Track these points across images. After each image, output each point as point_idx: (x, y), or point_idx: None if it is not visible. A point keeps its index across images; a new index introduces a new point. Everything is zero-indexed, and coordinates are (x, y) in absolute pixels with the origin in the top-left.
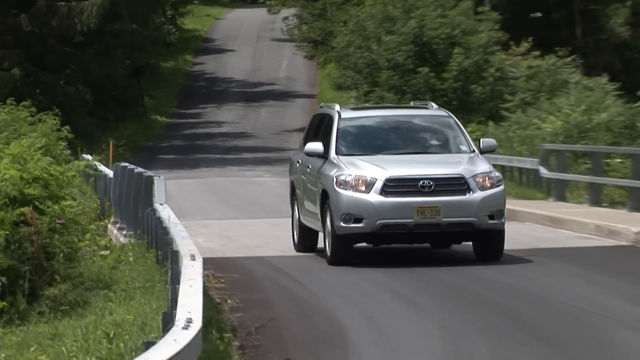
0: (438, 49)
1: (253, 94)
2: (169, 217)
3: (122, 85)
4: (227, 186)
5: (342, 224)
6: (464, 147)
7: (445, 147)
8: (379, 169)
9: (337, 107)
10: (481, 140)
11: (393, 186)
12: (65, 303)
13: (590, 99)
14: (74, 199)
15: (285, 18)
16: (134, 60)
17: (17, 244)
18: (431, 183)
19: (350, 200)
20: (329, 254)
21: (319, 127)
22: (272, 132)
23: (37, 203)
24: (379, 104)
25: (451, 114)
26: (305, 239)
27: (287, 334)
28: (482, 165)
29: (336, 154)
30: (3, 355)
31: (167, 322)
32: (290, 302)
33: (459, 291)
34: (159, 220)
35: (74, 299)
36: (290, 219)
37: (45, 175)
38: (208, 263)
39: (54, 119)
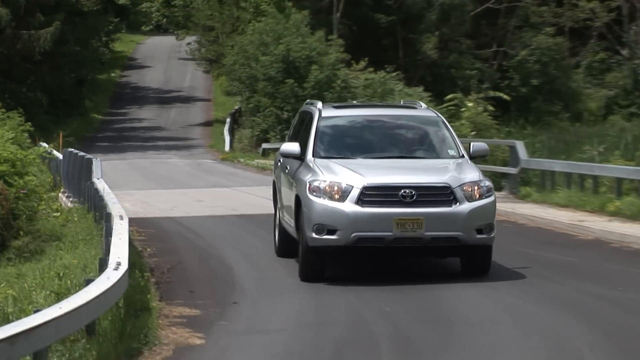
0: (300, 66)
1: (165, 98)
2: (104, 188)
3: (69, 91)
4: (146, 166)
5: (314, 235)
6: (452, 152)
7: (432, 151)
8: (356, 175)
9: (319, 105)
10: (471, 144)
11: (371, 195)
12: (27, 251)
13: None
14: (34, 175)
15: (189, 43)
16: (77, 73)
17: None
18: (413, 192)
19: (323, 209)
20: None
21: (301, 125)
22: (180, 126)
23: (6, 178)
24: (360, 103)
25: (440, 114)
26: (285, 244)
27: (190, 273)
28: (471, 173)
29: (313, 156)
30: None
31: (103, 265)
32: (192, 250)
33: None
34: (96, 190)
35: (34, 248)
36: (272, 221)
37: (13, 157)
38: (132, 222)
39: (19, 117)
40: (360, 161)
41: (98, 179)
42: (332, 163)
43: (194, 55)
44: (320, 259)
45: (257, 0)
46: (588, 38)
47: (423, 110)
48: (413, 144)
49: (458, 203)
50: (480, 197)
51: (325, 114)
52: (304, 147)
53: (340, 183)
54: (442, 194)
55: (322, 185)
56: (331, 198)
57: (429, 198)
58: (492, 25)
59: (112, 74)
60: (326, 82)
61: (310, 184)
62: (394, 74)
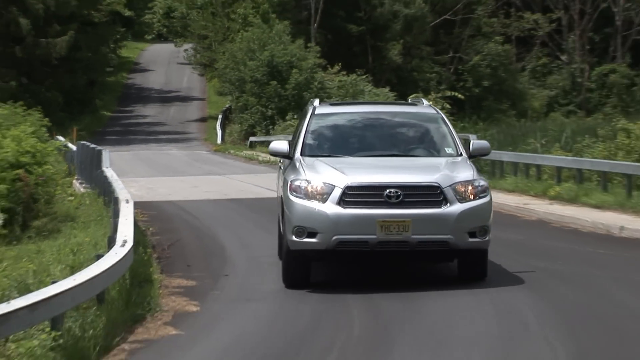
0: (282, 69)
1: (166, 98)
2: (112, 175)
3: (82, 92)
4: (149, 156)
5: (294, 237)
6: (450, 150)
7: (428, 149)
8: (339, 174)
9: (316, 102)
10: (471, 141)
11: (353, 195)
12: (45, 231)
13: (380, 99)
14: (51, 165)
15: (186, 50)
16: (89, 76)
17: (14, 193)
18: (399, 192)
19: (303, 210)
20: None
21: (300, 124)
22: (178, 122)
23: (27, 167)
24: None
25: (440, 111)
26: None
27: (187, 250)
28: (465, 172)
29: (301, 154)
30: (5, 264)
31: (111, 242)
32: (189, 229)
33: None
34: (105, 177)
35: (51, 227)
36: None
37: (33, 149)
38: (137, 205)
39: (38, 114)
40: (349, 160)
41: (107, 167)
42: (318, 162)
43: (191, 60)
44: (302, 264)
45: (245, 12)
46: (532, 45)
47: (423, 107)
48: (408, 141)
49: (448, 204)
50: (474, 198)
51: (319, 111)
52: (294, 146)
53: (322, 183)
54: (431, 194)
55: (302, 185)
56: (312, 198)
57: (417, 199)
58: (448, 35)
59: (120, 77)
60: (305, 84)
61: (291, 184)
62: (364, 76)
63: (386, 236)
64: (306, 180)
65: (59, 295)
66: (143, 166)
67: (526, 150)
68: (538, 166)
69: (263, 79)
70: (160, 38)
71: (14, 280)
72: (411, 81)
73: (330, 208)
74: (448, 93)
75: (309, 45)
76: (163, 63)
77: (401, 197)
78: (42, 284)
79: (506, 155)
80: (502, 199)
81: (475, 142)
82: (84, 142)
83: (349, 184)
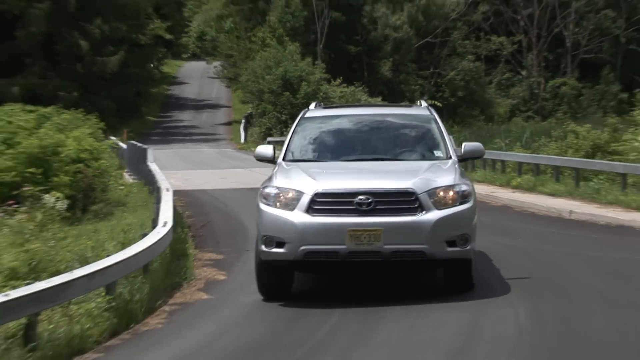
0: (294, 82)
1: (199, 105)
2: (155, 169)
3: (131, 101)
4: (186, 153)
5: (263, 247)
6: (439, 153)
7: (415, 152)
8: (310, 180)
9: (312, 105)
10: (463, 144)
11: (322, 203)
12: (101, 214)
13: None
14: (106, 160)
15: (215, 66)
16: (137, 88)
17: (75, 183)
18: (370, 199)
19: (271, 219)
20: None
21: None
22: (209, 125)
23: (86, 162)
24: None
25: (434, 112)
26: None
27: (216, 229)
28: (446, 176)
29: (284, 159)
30: (68, 240)
31: (154, 223)
32: (218, 213)
33: None
34: (150, 170)
35: (106, 211)
36: None
37: (91, 147)
38: (175, 193)
39: (95, 119)
40: (329, 164)
41: (151, 162)
42: (296, 167)
43: (219, 75)
44: (274, 274)
45: (264, 36)
46: (498, 63)
47: (417, 109)
48: (396, 144)
49: (424, 211)
50: (454, 204)
51: (308, 114)
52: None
53: (291, 189)
54: (405, 201)
55: (272, 192)
56: (280, 206)
57: (389, 206)
58: (430, 54)
59: (161, 89)
60: (312, 94)
61: (261, 191)
62: (360, 88)
63: (357, 246)
64: (276, 187)
65: (112, 266)
66: (180, 161)
67: (493, 148)
68: (503, 161)
69: (278, 90)
70: (194, 57)
71: (75, 254)
72: (399, 92)
73: (298, 217)
74: (429, 102)
75: (315, 62)
76: (196, 77)
77: (372, 204)
78: (98, 257)
79: None
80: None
81: (467, 145)
82: (133, 142)
83: (318, 191)
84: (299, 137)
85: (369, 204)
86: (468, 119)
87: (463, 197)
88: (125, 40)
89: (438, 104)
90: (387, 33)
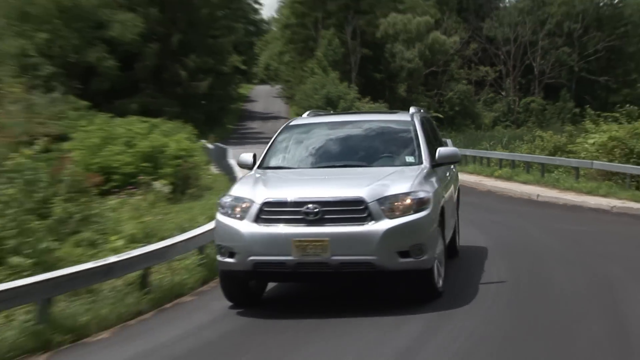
0: (334, 100)
1: (265, 117)
2: (233, 164)
3: (216, 114)
4: (256, 152)
5: (219, 257)
6: (411, 159)
7: (387, 158)
8: (262, 188)
9: (305, 114)
10: (438, 149)
11: (270, 212)
12: (195, 195)
13: None
14: (198, 157)
15: (277, 88)
16: (220, 105)
17: (176, 173)
18: (317, 209)
19: (224, 228)
20: None
21: None
22: (272, 132)
23: (184, 158)
24: None
25: (415, 118)
26: None
27: None
28: (404, 183)
29: (259, 167)
30: (171, 215)
31: None
32: None
33: None
34: (229, 165)
35: (198, 194)
36: None
37: (187, 147)
38: None
39: (190, 127)
40: (294, 171)
41: (230, 159)
42: (261, 174)
43: (280, 94)
44: (235, 283)
45: (312, 66)
46: (484, 85)
47: (400, 115)
48: (368, 150)
49: (373, 220)
50: (408, 212)
51: (293, 122)
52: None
53: (244, 198)
54: (354, 210)
55: (227, 201)
56: (233, 216)
57: (337, 215)
58: (434, 79)
59: (238, 104)
60: (348, 108)
61: (219, 200)
62: (383, 104)
63: (303, 257)
64: (231, 196)
65: (202, 233)
66: None
67: (480, 148)
68: (488, 158)
69: (322, 106)
70: (262, 82)
71: (176, 224)
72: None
73: (246, 227)
74: (433, 114)
75: (350, 85)
76: (263, 97)
77: (319, 213)
78: (192, 227)
79: (468, 151)
80: (466, 178)
81: (442, 150)
82: (217, 144)
83: (266, 200)
84: (277, 144)
85: (316, 214)
86: (462, 127)
87: (420, 205)
88: (212, 70)
89: (440, 115)
90: (402, 64)
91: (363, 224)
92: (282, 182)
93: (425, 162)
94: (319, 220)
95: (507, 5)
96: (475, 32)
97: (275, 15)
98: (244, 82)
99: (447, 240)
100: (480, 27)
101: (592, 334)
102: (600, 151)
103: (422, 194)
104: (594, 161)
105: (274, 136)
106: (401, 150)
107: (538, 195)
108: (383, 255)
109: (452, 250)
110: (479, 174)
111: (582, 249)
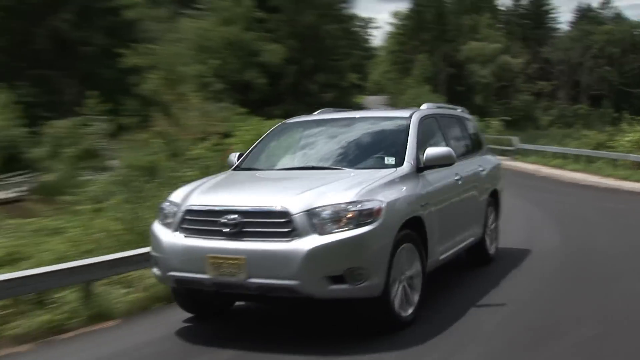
0: None
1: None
2: None
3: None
4: None
5: (153, 268)
6: (390, 160)
7: (363, 159)
8: (194, 192)
9: (316, 113)
10: (426, 150)
11: (191, 221)
12: None
13: None
14: None
15: (384, 98)
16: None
17: None
18: (237, 220)
19: (153, 235)
20: None
21: None
22: None
23: None
24: None
25: (415, 117)
26: None
27: None
28: (348, 191)
29: (236, 167)
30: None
31: None
32: None
33: None
34: None
35: None
36: None
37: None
38: None
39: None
40: (252, 174)
41: None
42: (225, 175)
43: (386, 103)
44: (182, 293)
45: (410, 82)
46: (542, 96)
47: (399, 112)
48: (345, 150)
49: (298, 236)
50: (345, 227)
51: (289, 120)
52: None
53: (174, 203)
54: (276, 224)
55: (162, 205)
56: (162, 222)
57: (259, 228)
58: (503, 91)
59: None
60: None
61: (160, 203)
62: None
63: (219, 277)
64: (168, 200)
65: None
66: None
67: (539, 144)
68: (544, 151)
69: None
70: (372, 93)
71: None
72: (486, 113)
73: (168, 236)
74: (502, 118)
75: (439, 96)
76: (373, 105)
77: (239, 226)
78: None
79: (530, 146)
80: (528, 167)
81: (430, 151)
82: None
83: (189, 207)
84: (262, 144)
85: (235, 226)
86: (525, 128)
87: (364, 217)
88: (335, 85)
89: (508, 118)
90: (479, 80)
91: (286, 241)
92: (221, 186)
93: (407, 165)
94: (238, 234)
95: (561, 35)
96: (535, 55)
97: (383, 44)
98: (359, 93)
99: (449, 254)
100: (540, 51)
101: (630, 288)
102: (634, 146)
103: (368, 205)
104: (630, 154)
105: (263, 136)
106: (383, 151)
107: (583, 181)
108: (307, 280)
109: (478, 256)
110: (537, 163)
111: (620, 222)
